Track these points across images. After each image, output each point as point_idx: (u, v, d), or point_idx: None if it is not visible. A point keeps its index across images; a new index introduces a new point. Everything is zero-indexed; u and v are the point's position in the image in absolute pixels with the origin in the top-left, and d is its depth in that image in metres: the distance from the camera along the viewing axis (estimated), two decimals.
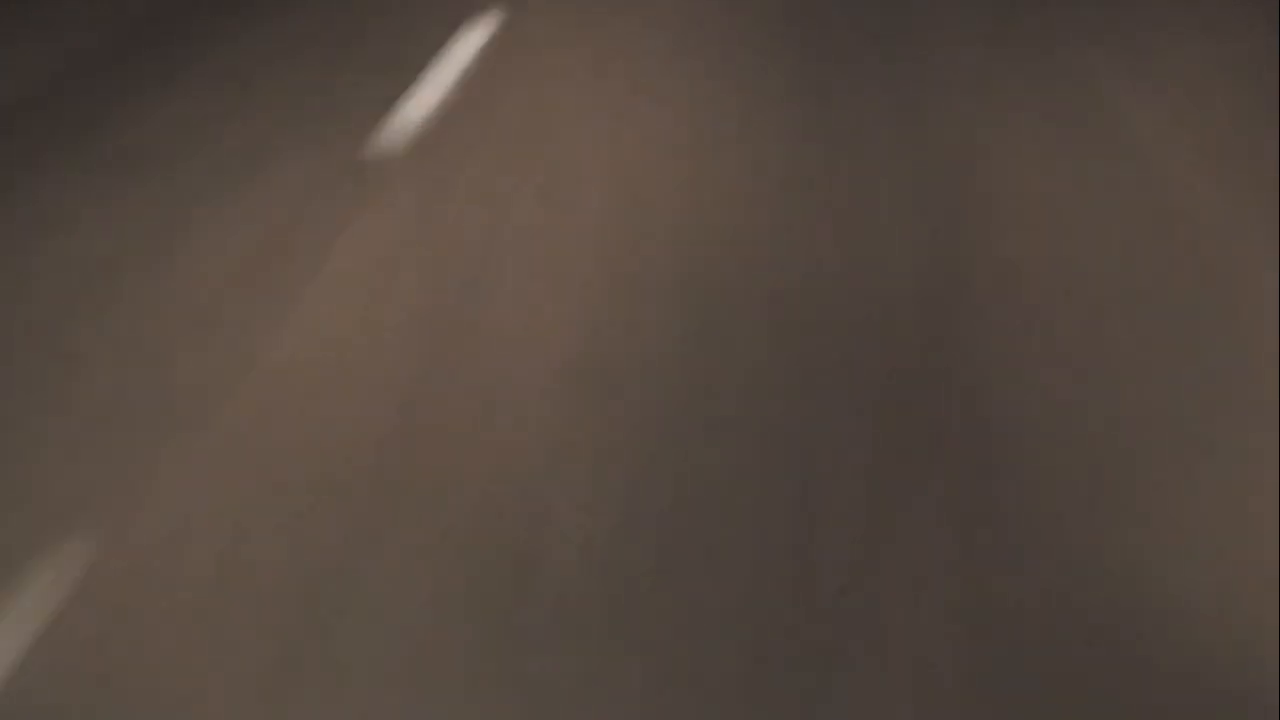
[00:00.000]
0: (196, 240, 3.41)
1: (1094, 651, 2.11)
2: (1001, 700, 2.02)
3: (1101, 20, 5.57)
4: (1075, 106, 4.54)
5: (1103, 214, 3.69)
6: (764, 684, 2.03)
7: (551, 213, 3.63)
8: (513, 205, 3.67)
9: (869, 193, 3.79)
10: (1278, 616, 2.18)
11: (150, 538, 2.33)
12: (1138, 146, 4.17)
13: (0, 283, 3.22)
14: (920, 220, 3.62)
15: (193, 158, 3.94)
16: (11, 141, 4.02)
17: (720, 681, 2.03)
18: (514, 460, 2.56)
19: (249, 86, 4.52)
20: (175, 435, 2.62)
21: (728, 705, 1.99)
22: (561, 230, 3.53)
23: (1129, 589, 2.25)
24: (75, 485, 2.47)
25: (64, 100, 4.33)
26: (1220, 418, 2.75)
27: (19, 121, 4.17)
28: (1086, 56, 5.09)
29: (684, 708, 1.98)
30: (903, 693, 2.02)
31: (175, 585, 2.21)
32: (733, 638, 2.12)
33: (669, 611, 2.17)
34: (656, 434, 2.66)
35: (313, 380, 2.82)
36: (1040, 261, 3.40)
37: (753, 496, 2.47)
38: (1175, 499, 2.49)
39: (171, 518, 2.38)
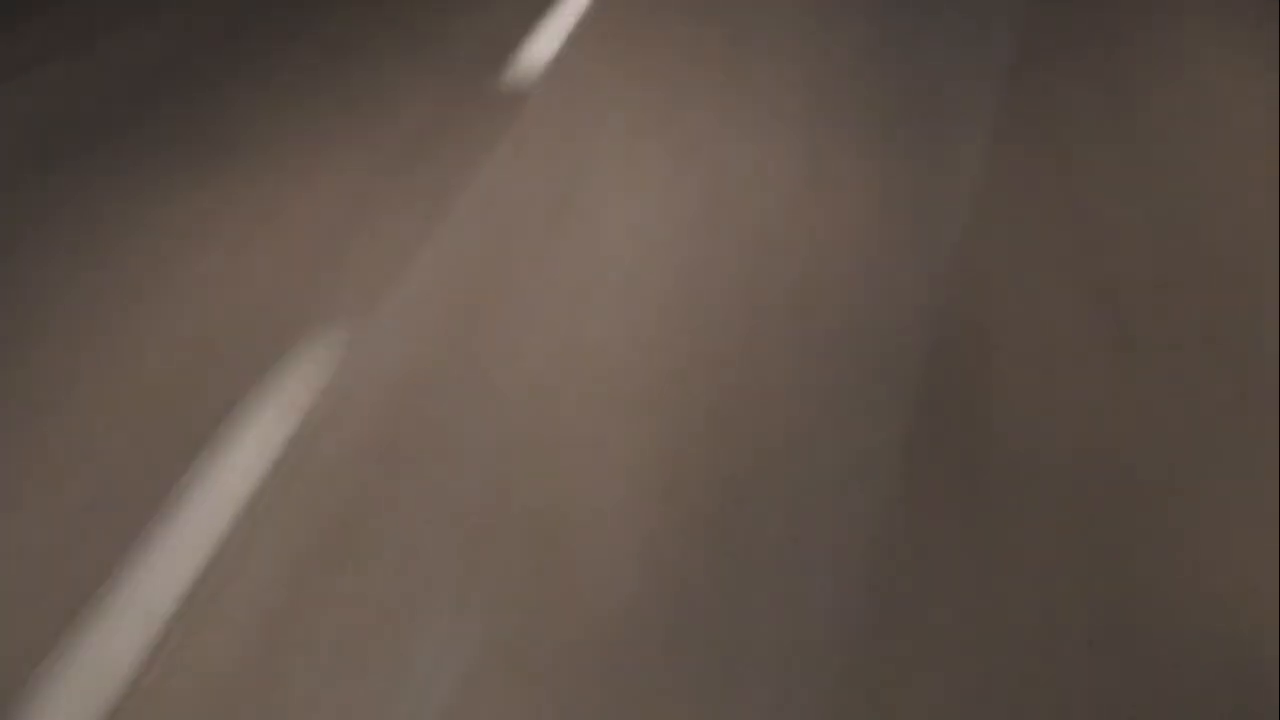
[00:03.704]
0: (319, 178, 3.55)
1: (1099, 652, 2.10)
2: (1010, 700, 2.02)
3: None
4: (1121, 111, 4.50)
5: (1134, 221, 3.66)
6: (811, 695, 2.03)
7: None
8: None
9: (899, 201, 3.78)
10: (1278, 616, 2.17)
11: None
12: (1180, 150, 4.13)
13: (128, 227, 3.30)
14: (944, 227, 3.61)
15: (320, 96, 4.14)
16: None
17: (770, 696, 2.03)
18: (565, 472, 2.54)
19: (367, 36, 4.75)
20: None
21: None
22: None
23: (1133, 589, 2.23)
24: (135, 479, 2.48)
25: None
26: (1235, 427, 2.72)
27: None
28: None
29: None
30: (927, 696, 2.03)
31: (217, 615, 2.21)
32: (785, 650, 2.11)
33: (715, 628, 2.16)
34: (714, 449, 2.61)
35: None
36: (1067, 268, 3.38)
37: (799, 516, 2.44)
38: (1184, 499, 2.45)
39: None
